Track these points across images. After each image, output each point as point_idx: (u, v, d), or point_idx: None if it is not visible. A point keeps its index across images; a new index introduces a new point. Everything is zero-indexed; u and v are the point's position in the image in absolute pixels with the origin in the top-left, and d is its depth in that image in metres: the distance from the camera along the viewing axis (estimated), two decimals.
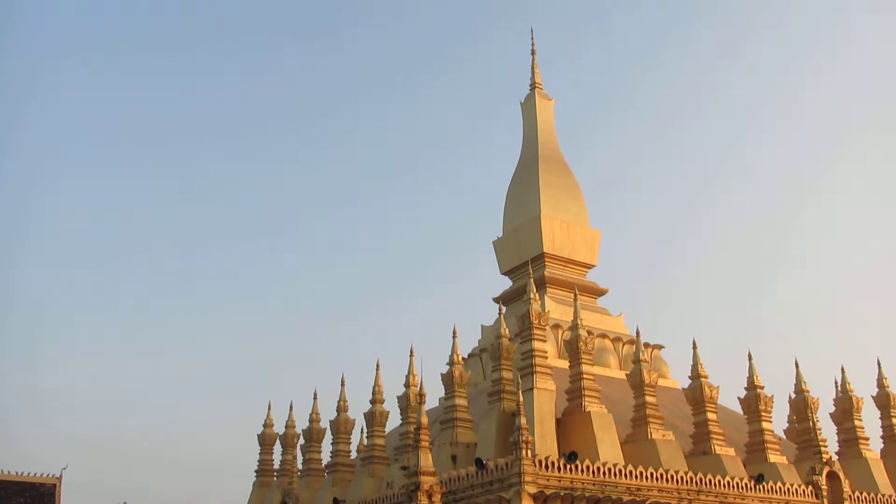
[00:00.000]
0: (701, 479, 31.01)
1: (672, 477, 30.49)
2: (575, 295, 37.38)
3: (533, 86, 57.82)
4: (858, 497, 35.47)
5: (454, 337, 36.62)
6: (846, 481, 35.18)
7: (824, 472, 34.32)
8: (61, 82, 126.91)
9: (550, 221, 50.64)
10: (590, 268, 52.30)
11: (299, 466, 45.49)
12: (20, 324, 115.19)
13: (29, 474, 45.94)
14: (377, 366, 42.64)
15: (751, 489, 32.17)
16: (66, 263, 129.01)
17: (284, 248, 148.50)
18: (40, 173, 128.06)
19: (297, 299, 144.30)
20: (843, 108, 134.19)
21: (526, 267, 45.91)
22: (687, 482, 30.65)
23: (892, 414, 42.57)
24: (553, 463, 28.02)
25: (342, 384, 44.67)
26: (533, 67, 58.69)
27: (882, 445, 42.34)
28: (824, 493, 33.71)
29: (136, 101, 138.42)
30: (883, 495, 37.02)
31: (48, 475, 45.84)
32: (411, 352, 41.62)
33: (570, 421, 33.13)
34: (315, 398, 46.34)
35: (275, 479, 48.34)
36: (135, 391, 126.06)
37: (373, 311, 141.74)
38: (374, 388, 41.82)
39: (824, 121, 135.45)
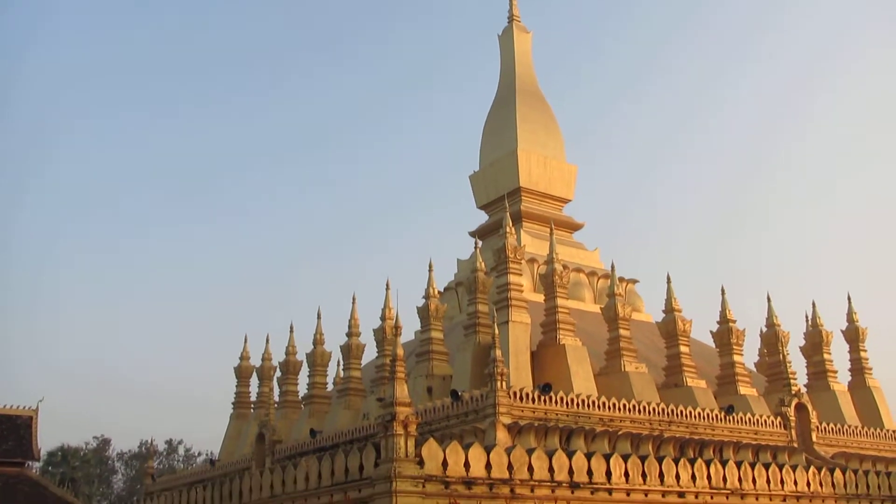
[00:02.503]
0: (672, 411, 31.51)
1: (644, 408, 30.95)
2: (551, 229, 37.43)
3: (511, 18, 57.01)
4: (825, 428, 36.22)
5: (430, 270, 36.71)
6: (814, 413, 35.87)
7: (793, 404, 34.96)
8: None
9: (527, 155, 50.43)
10: (566, 202, 52.30)
11: (276, 399, 45.79)
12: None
13: (5, 406, 45.96)
14: (353, 299, 42.78)
15: (721, 420, 32.74)
16: (58, 207, 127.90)
17: (260, 184, 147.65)
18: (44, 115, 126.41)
19: (273, 235, 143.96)
20: (819, 48, 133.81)
21: (502, 201, 45.87)
22: (659, 413, 31.14)
23: (861, 347, 43.31)
24: (527, 394, 28.34)
25: (318, 317, 44.84)
26: (511, 0, 57.83)
27: (850, 378, 43.15)
28: (792, 424, 34.38)
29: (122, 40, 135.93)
30: (849, 426, 37.82)
31: (25, 407, 45.88)
32: (387, 285, 41.69)
33: (545, 353, 33.45)
34: (291, 331, 46.54)
35: (252, 411, 48.70)
36: (113, 327, 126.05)
37: (349, 246, 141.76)
38: (350, 321, 41.96)
39: (800, 61, 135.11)
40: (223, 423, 51.75)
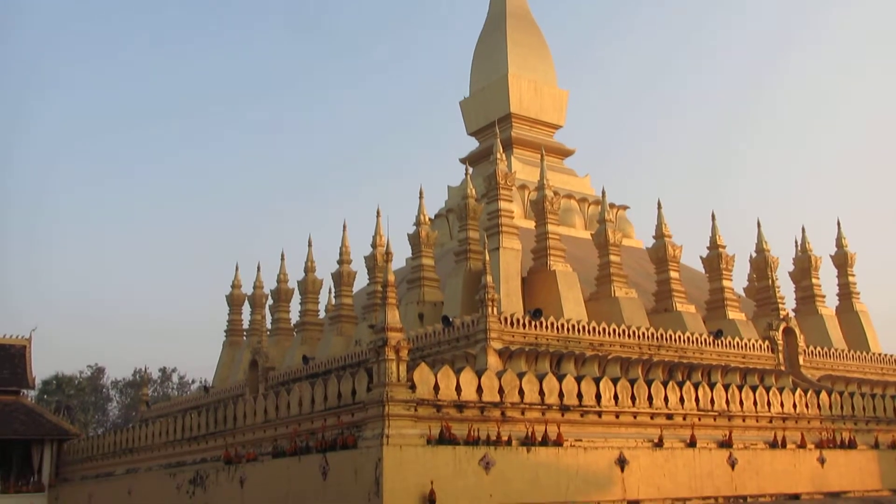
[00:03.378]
0: (661, 335, 31.83)
1: (634, 333, 31.25)
2: (542, 155, 37.26)
3: None
4: (812, 351, 36.68)
5: (420, 197, 36.58)
6: (801, 337, 36.30)
7: (780, 328, 35.33)
8: None
9: (518, 81, 49.95)
10: (557, 128, 52.01)
11: (268, 326, 46.06)
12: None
13: None
14: (344, 227, 42.76)
15: (709, 344, 33.11)
16: (52, 139, 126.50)
17: (252, 111, 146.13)
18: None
19: (264, 162, 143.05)
20: None
21: (493, 127, 45.53)
22: (648, 338, 31.46)
23: (849, 272, 43.65)
24: (518, 320, 28.54)
25: (309, 245, 44.85)
26: None
27: (837, 303, 43.57)
28: (780, 348, 34.80)
29: None
30: (836, 350, 38.32)
31: (18, 336, 46.01)
32: (378, 213, 41.61)
33: (536, 279, 33.59)
34: (282, 259, 46.58)
35: (244, 338, 49.00)
36: (105, 257, 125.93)
37: (340, 173, 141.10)
38: (341, 248, 42.00)
39: None
40: (216, 351, 52.15)
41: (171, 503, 28.73)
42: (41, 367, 68.97)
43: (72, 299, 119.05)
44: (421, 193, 36.65)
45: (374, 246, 39.89)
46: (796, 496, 26.67)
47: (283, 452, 23.45)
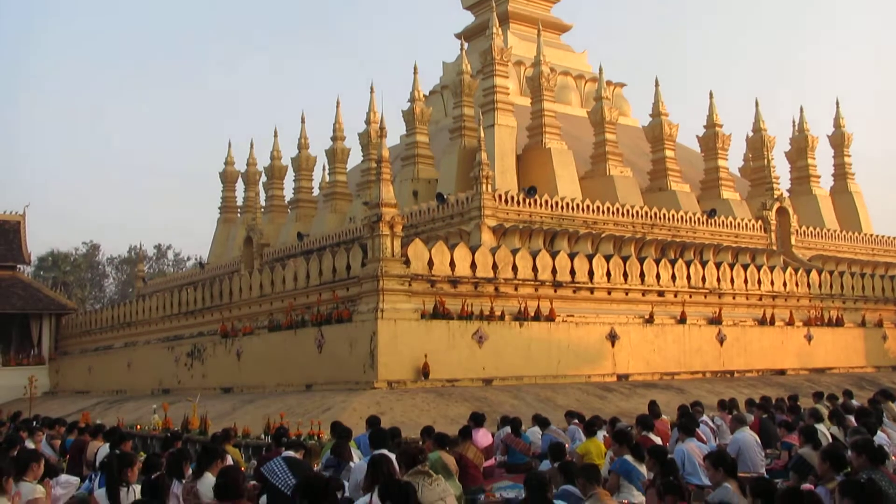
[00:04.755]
0: (655, 214, 31.88)
1: (628, 211, 31.29)
2: (538, 30, 36.47)
3: None
4: (805, 231, 36.88)
5: (415, 73, 35.93)
6: (795, 216, 36.43)
7: (774, 208, 35.40)
8: None
9: None
10: (554, 2, 50.70)
11: (262, 203, 46.00)
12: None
13: None
14: (337, 103, 42.25)
15: (702, 223, 33.23)
16: None
17: None
18: None
19: (257, 35, 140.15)
20: None
21: (489, 1, 44.39)
22: (641, 216, 31.52)
23: (845, 153, 43.47)
24: (512, 197, 28.51)
25: (302, 122, 44.48)
26: None
27: (832, 183, 43.54)
28: (773, 228, 34.94)
29: None
30: (828, 230, 38.53)
31: (12, 212, 45.92)
32: (371, 89, 41.06)
33: (531, 157, 33.40)
34: (275, 136, 46.15)
35: (238, 215, 48.97)
36: (98, 129, 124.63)
37: (333, 47, 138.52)
38: (334, 125, 41.60)
39: None
40: (211, 228, 52.20)
41: (170, 375, 29.30)
42: (36, 245, 69.23)
43: (64, 176, 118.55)
44: (415, 69, 36.04)
45: (368, 122, 39.49)
46: (782, 372, 27.27)
47: (278, 326, 23.78)
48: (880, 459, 7.97)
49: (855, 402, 17.20)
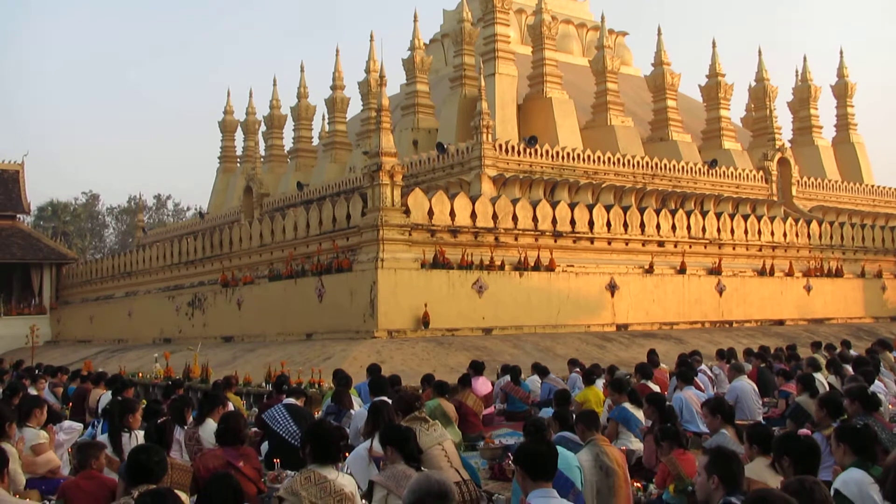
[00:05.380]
0: (656, 164, 31.76)
1: (629, 161, 31.16)
2: None
3: None
4: (806, 182, 36.78)
5: (415, 21, 35.51)
6: (796, 167, 36.31)
7: (776, 158, 35.26)
8: None
9: None
10: None
11: (262, 153, 45.81)
12: None
13: None
14: (336, 51, 41.90)
15: (703, 174, 33.10)
16: None
17: None
18: None
19: None
20: None
21: None
22: (642, 167, 31.40)
23: (848, 103, 43.16)
24: (513, 147, 28.38)
25: (301, 70, 44.10)
26: None
27: (834, 134, 43.32)
28: (774, 178, 34.83)
29: None
30: (829, 181, 38.42)
31: (11, 161, 45.76)
32: (371, 37, 40.66)
33: (531, 107, 33.15)
34: (275, 85, 45.76)
35: (238, 165, 48.77)
36: (101, 80, 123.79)
37: None
38: (334, 73, 41.28)
39: None
40: (210, 178, 52.04)
41: (171, 324, 29.42)
42: (35, 195, 69.09)
43: (63, 125, 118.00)
44: (415, 17, 35.61)
45: (367, 71, 39.14)
46: (781, 322, 27.39)
47: (279, 275, 23.82)
48: (874, 406, 8.04)
49: (852, 352, 17.30)
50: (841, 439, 6.02)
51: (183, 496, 5.26)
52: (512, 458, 6.25)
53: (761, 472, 6.41)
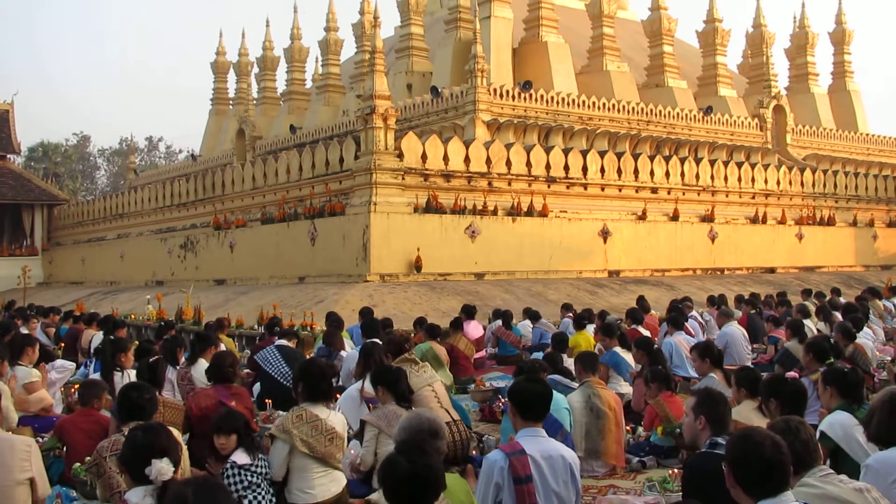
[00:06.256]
0: (651, 110, 31.60)
1: (623, 107, 30.99)
2: None
3: None
4: (800, 130, 36.66)
5: None
6: (791, 115, 36.16)
7: (771, 106, 35.09)
8: None
9: None
10: None
11: (254, 95, 45.40)
12: None
13: None
14: None
15: (698, 121, 32.97)
16: None
17: None
18: None
19: None
20: None
21: None
22: (637, 113, 31.24)
23: (845, 51, 42.86)
24: (507, 91, 28.17)
25: (294, 11, 43.41)
26: None
27: (831, 81, 43.07)
28: (768, 126, 34.71)
29: None
30: (824, 129, 38.30)
31: (0, 101, 45.25)
32: None
33: (527, 51, 32.83)
34: (267, 26, 45.15)
35: (230, 107, 48.36)
36: (92, 19, 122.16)
37: None
38: (327, 14, 40.72)
39: None
40: (202, 120, 51.62)
41: (163, 266, 29.42)
42: (26, 136, 68.61)
43: (53, 65, 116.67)
44: None
45: (361, 13, 38.67)
46: (772, 270, 27.50)
47: (271, 219, 23.77)
48: (826, 357, 8.12)
49: (842, 300, 17.41)
50: (828, 383, 6.09)
51: (175, 433, 5.31)
52: (506, 395, 6.31)
53: (749, 414, 6.49)
